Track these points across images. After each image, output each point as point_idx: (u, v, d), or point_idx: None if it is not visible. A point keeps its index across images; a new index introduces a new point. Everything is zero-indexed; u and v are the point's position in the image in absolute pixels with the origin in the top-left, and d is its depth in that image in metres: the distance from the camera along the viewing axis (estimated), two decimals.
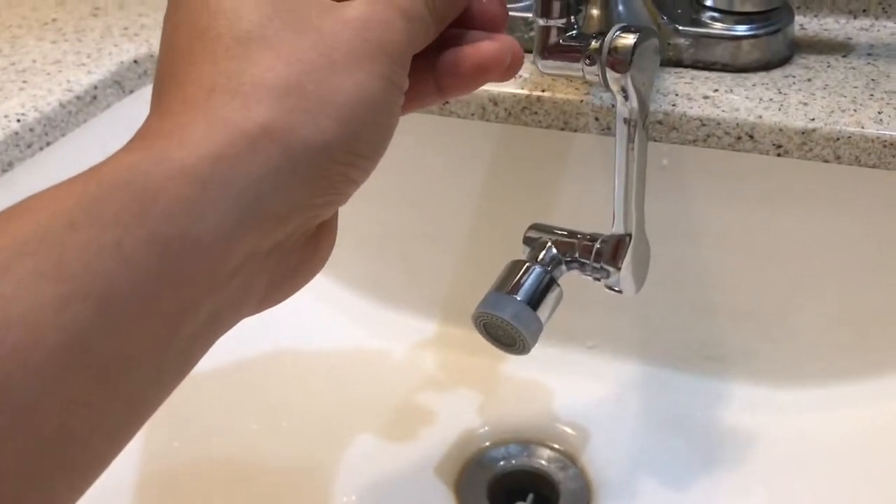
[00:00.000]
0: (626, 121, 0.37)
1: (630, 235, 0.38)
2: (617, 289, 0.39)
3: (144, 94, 0.52)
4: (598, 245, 0.39)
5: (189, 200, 0.21)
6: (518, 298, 0.37)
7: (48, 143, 0.46)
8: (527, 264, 0.38)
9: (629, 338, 0.51)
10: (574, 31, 0.36)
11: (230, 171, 0.22)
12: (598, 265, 0.39)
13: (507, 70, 0.28)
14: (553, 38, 0.35)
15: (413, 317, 0.54)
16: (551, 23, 0.35)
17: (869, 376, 0.46)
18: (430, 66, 0.28)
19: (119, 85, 0.51)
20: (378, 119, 0.25)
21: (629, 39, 0.33)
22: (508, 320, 0.37)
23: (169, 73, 0.25)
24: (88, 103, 0.49)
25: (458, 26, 0.28)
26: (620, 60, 0.34)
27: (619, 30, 0.34)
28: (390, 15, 0.25)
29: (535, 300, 0.37)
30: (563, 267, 0.39)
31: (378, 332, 0.54)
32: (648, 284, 0.49)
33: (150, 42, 0.53)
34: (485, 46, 0.28)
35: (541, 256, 0.39)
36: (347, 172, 0.25)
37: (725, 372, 0.49)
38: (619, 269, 0.38)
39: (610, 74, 0.34)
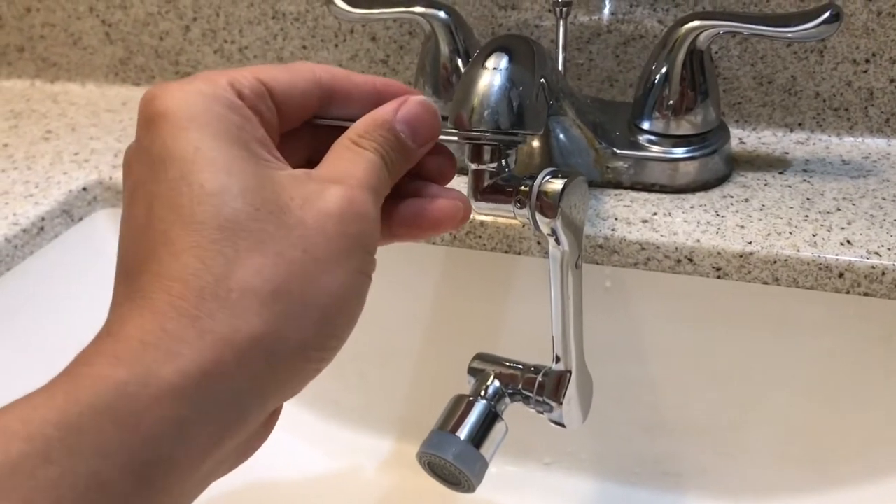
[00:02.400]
0: (558, 261, 0.37)
1: (570, 372, 0.38)
2: (560, 422, 0.39)
3: (93, 222, 0.52)
4: (540, 378, 0.39)
5: (173, 422, 0.21)
6: (461, 437, 0.37)
7: None
8: (469, 399, 0.38)
9: (585, 454, 0.51)
10: (506, 173, 0.36)
11: (216, 387, 0.22)
12: (540, 399, 0.39)
13: (459, 222, 0.30)
14: (485, 181, 0.36)
15: (370, 436, 0.54)
16: (482, 167, 0.35)
17: (820, 489, 0.46)
18: (384, 213, 0.28)
19: (67, 214, 0.51)
20: (351, 312, 0.25)
21: (557, 185, 0.34)
22: (452, 461, 0.36)
23: (147, 255, 0.23)
24: (35, 235, 0.49)
25: (409, 175, 0.29)
26: (550, 205, 0.34)
27: (547, 174, 0.35)
28: (366, 199, 0.25)
29: (478, 438, 0.37)
30: (507, 399, 0.39)
31: (336, 452, 0.53)
32: (602, 400, 0.49)
33: (99, 168, 0.53)
34: (442, 204, 0.29)
35: (483, 390, 0.39)
36: (318, 366, 0.25)
37: (681, 487, 0.49)
38: (560, 404, 0.38)
39: (539, 218, 0.34)
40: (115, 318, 0.23)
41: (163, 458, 0.21)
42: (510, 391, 0.39)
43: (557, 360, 0.38)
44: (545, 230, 0.35)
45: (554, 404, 0.38)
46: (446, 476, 0.38)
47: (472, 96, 0.36)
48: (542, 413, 0.39)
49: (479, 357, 0.41)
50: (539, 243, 0.45)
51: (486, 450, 0.37)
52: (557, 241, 0.35)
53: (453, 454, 0.36)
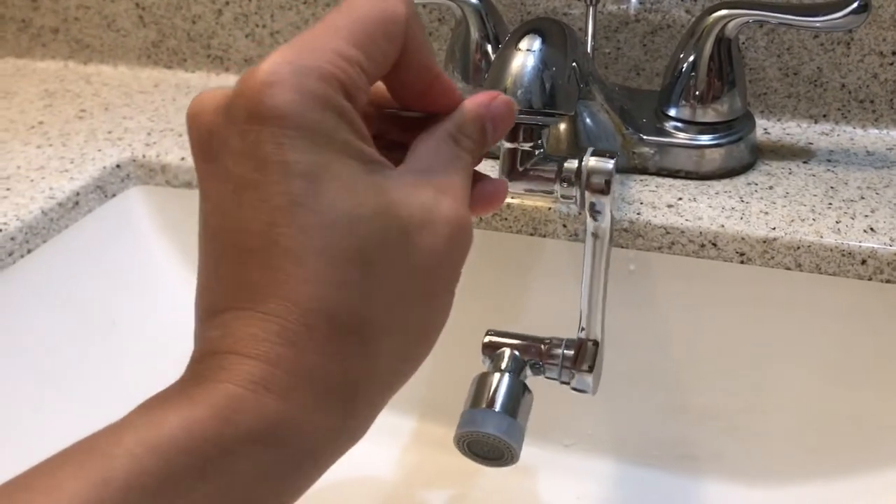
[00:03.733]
0: (594, 236, 0.38)
1: (596, 341, 0.39)
2: (585, 390, 0.40)
3: (126, 198, 0.53)
4: (563, 350, 0.39)
5: (318, 454, 0.24)
6: (497, 411, 0.38)
7: (29, 251, 0.47)
8: (495, 375, 0.39)
9: (605, 436, 0.51)
10: (541, 153, 0.37)
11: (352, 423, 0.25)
12: (568, 367, 0.39)
13: (500, 204, 0.30)
14: (520, 161, 0.37)
15: (393, 415, 0.55)
16: (518, 146, 0.36)
17: (837, 476, 0.47)
18: None
19: (101, 189, 0.52)
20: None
21: (608, 164, 0.35)
22: (495, 434, 0.37)
23: (268, 271, 0.22)
24: (70, 209, 0.50)
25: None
26: (601, 183, 0.35)
27: (591, 154, 0.36)
28: (467, 215, 0.26)
29: (512, 409, 0.38)
30: (529, 371, 0.40)
31: None
32: (622, 383, 0.50)
33: (132, 146, 0.54)
34: (487, 186, 0.29)
35: (505, 364, 0.39)
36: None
37: (699, 470, 0.50)
38: (589, 371, 0.39)
39: (589, 196, 0.36)
40: (239, 331, 0.22)
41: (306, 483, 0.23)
42: (532, 363, 0.40)
43: (582, 330, 0.39)
44: (593, 207, 0.36)
45: (579, 373, 0.39)
46: (486, 453, 0.38)
47: (506, 76, 0.37)
48: (564, 382, 0.40)
49: (492, 333, 0.41)
50: (565, 226, 0.46)
51: (521, 419, 0.38)
52: (596, 217, 0.36)
53: (494, 427, 0.37)
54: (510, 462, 0.37)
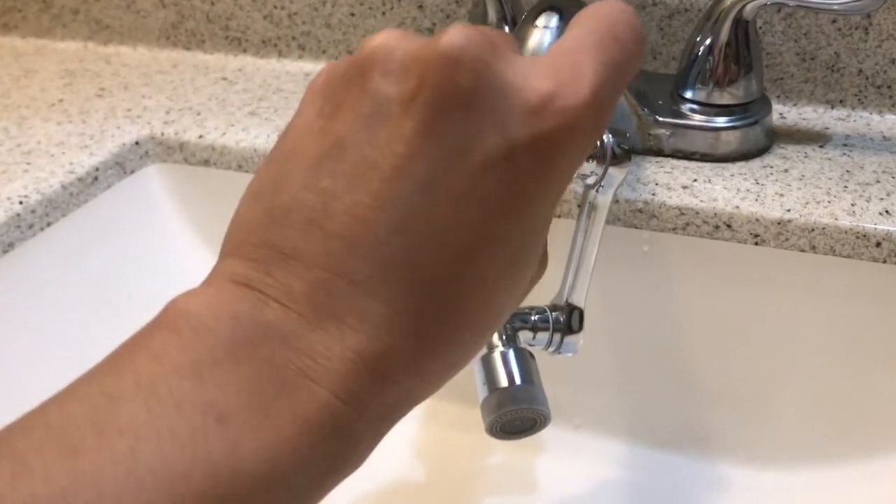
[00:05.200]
0: (591, 205, 0.39)
1: (580, 309, 0.40)
2: (573, 351, 0.40)
3: (144, 175, 0.54)
4: (553, 315, 0.40)
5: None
6: (519, 384, 0.38)
7: (49, 224, 0.48)
8: (499, 351, 0.39)
9: (616, 417, 0.52)
10: None
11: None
12: (557, 332, 0.40)
13: None
14: None
15: None
16: None
17: (850, 459, 0.47)
18: None
19: (120, 166, 0.52)
20: None
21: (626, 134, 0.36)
22: (528, 408, 0.37)
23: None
24: (90, 184, 0.50)
25: None
26: (625, 157, 0.36)
27: (608, 133, 0.36)
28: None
29: (530, 377, 0.38)
30: (521, 338, 0.40)
31: None
32: (634, 364, 0.50)
33: (151, 124, 0.55)
34: None
35: (502, 339, 0.40)
36: None
37: (711, 453, 0.50)
38: (578, 333, 0.40)
39: (612, 171, 0.36)
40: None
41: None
42: (521, 328, 0.40)
43: (566, 297, 0.40)
44: (613, 181, 0.37)
45: (570, 338, 0.40)
46: (519, 427, 0.39)
47: (523, 54, 0.37)
48: (552, 349, 0.40)
49: None
50: (579, 206, 0.46)
51: (539, 384, 0.38)
52: (604, 191, 0.37)
53: (528, 401, 0.37)
54: (543, 426, 0.38)
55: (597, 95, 0.22)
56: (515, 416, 0.37)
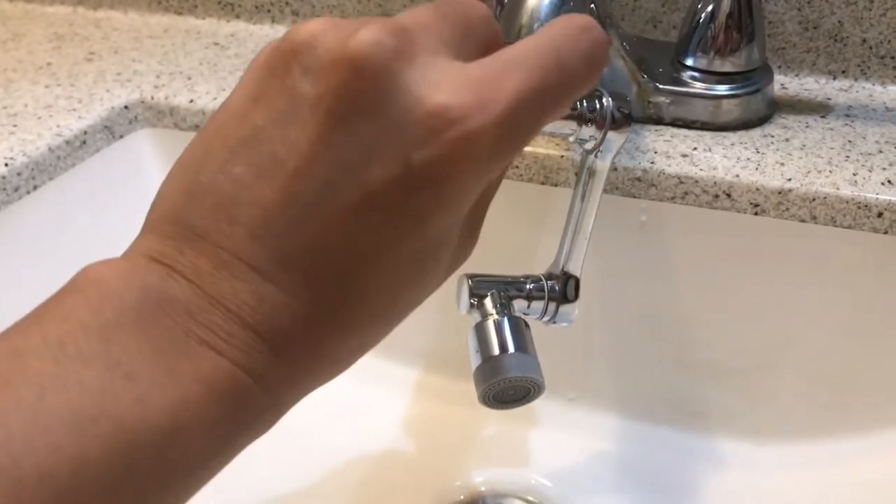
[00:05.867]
0: (590, 171, 0.38)
1: (576, 277, 0.39)
2: (569, 320, 0.40)
3: (134, 139, 0.53)
4: (548, 283, 0.39)
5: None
6: (512, 352, 0.37)
7: (35, 187, 0.47)
8: (492, 319, 0.38)
9: (610, 391, 0.51)
10: None
11: None
12: (552, 300, 0.39)
13: None
14: None
15: (399, 366, 0.54)
16: None
17: (848, 434, 0.46)
18: None
19: (109, 130, 0.51)
20: None
21: (625, 107, 0.35)
22: (520, 376, 0.36)
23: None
24: (77, 148, 0.49)
25: None
26: (624, 121, 0.35)
27: (607, 96, 0.35)
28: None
29: (524, 345, 0.37)
30: (515, 306, 0.39)
31: (366, 380, 0.54)
32: (630, 337, 0.49)
33: (141, 88, 0.54)
34: None
35: (496, 307, 0.39)
36: None
37: (706, 428, 0.49)
38: (574, 302, 0.39)
39: (611, 135, 0.35)
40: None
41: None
42: (519, 298, 0.39)
43: (562, 266, 0.39)
44: (613, 146, 0.36)
45: (565, 307, 0.39)
46: (513, 397, 0.38)
47: (522, 13, 0.37)
48: (547, 318, 0.40)
49: (469, 277, 0.40)
50: (577, 174, 0.45)
51: (532, 352, 0.38)
52: (602, 156, 0.36)
53: (519, 369, 0.36)
54: (537, 395, 0.37)
55: (507, 121, 0.21)
56: (509, 384, 0.37)
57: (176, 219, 0.22)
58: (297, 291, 0.22)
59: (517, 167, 0.46)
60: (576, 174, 0.42)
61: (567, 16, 0.23)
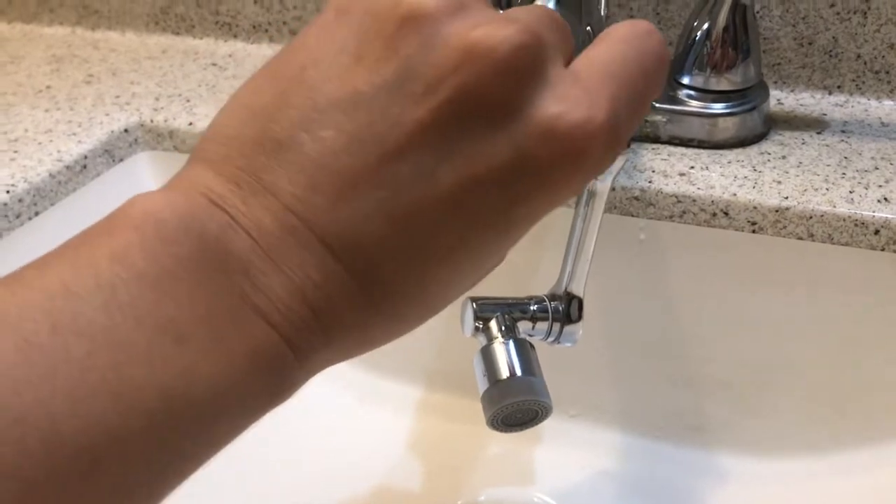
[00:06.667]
0: (591, 192, 0.38)
1: (579, 297, 0.39)
2: (568, 343, 0.40)
3: (133, 163, 0.53)
4: (552, 304, 0.39)
5: None
6: (520, 376, 0.37)
7: (37, 213, 0.47)
8: (498, 342, 0.38)
9: (611, 407, 0.51)
10: None
11: None
12: (558, 320, 0.39)
13: None
14: None
15: (400, 384, 0.55)
16: None
17: (847, 448, 0.47)
18: None
19: (109, 154, 0.52)
20: None
21: None
22: (529, 399, 0.37)
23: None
24: (78, 172, 0.49)
25: None
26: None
27: None
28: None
29: (531, 369, 0.38)
30: (520, 328, 0.40)
31: (366, 398, 0.54)
32: (630, 353, 0.50)
33: (140, 111, 0.54)
34: None
35: (502, 330, 0.39)
36: None
37: (706, 442, 0.50)
38: (578, 323, 0.39)
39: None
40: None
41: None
42: (523, 320, 0.40)
43: (565, 286, 0.39)
44: (613, 168, 0.36)
45: (569, 327, 0.39)
46: (521, 420, 0.38)
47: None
48: (551, 339, 0.40)
49: (474, 300, 0.40)
50: (578, 196, 0.45)
51: (540, 375, 0.38)
52: (600, 178, 0.36)
53: (527, 393, 0.36)
54: (545, 418, 0.37)
55: (614, 127, 0.21)
56: (517, 408, 0.37)
57: (244, 165, 0.21)
58: (362, 277, 0.21)
59: None
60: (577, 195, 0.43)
61: (630, 22, 0.23)
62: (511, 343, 0.38)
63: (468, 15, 0.21)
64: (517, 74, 0.20)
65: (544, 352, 0.41)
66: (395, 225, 0.20)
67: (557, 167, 0.21)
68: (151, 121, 0.53)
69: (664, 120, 0.46)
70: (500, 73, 0.20)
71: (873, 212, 0.41)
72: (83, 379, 0.17)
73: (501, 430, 0.38)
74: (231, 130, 0.21)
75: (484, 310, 0.39)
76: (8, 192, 0.46)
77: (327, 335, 0.21)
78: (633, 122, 0.23)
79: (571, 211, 0.46)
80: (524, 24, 0.21)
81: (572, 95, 0.21)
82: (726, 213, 0.43)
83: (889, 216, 0.41)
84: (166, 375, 0.18)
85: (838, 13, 0.50)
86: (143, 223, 0.19)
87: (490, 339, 0.38)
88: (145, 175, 0.53)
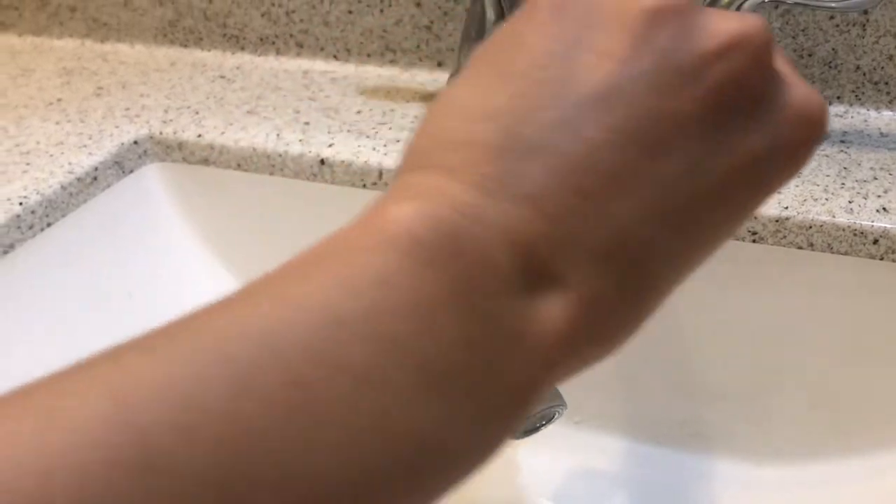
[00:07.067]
0: None
1: None
2: None
3: (143, 174, 0.54)
4: None
5: None
6: None
7: (49, 224, 0.48)
8: None
9: (614, 414, 0.52)
10: None
11: None
12: None
13: None
14: None
15: None
16: None
17: (847, 455, 0.47)
18: None
19: (119, 165, 0.52)
20: None
21: None
22: (546, 406, 0.37)
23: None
24: (89, 184, 0.50)
25: None
26: None
27: None
28: None
29: None
30: None
31: None
32: (633, 361, 0.50)
33: (150, 123, 0.55)
34: None
35: None
36: None
37: (708, 449, 0.50)
38: None
39: None
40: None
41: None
42: None
43: None
44: None
45: None
46: (534, 424, 0.39)
47: None
48: None
49: None
50: None
51: None
52: None
53: (545, 402, 0.37)
54: (559, 417, 0.38)
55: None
56: (535, 416, 0.38)
57: (496, 172, 0.19)
58: (624, 286, 0.20)
59: None
60: None
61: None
62: None
63: (704, 9, 0.21)
64: (770, 62, 0.21)
65: None
66: (663, 225, 0.19)
67: (804, 147, 0.21)
68: (161, 132, 0.54)
69: None
70: (759, 61, 0.20)
71: (872, 221, 0.42)
72: (348, 422, 0.16)
73: (518, 437, 0.39)
74: (462, 135, 0.20)
75: None
76: (21, 203, 0.46)
77: (572, 357, 0.20)
78: None
79: None
80: (755, 17, 0.21)
81: (800, 81, 0.22)
82: None
83: (888, 226, 0.41)
84: (423, 425, 0.17)
85: (837, 25, 0.50)
86: (407, 244, 0.18)
87: None
88: (155, 186, 0.54)
